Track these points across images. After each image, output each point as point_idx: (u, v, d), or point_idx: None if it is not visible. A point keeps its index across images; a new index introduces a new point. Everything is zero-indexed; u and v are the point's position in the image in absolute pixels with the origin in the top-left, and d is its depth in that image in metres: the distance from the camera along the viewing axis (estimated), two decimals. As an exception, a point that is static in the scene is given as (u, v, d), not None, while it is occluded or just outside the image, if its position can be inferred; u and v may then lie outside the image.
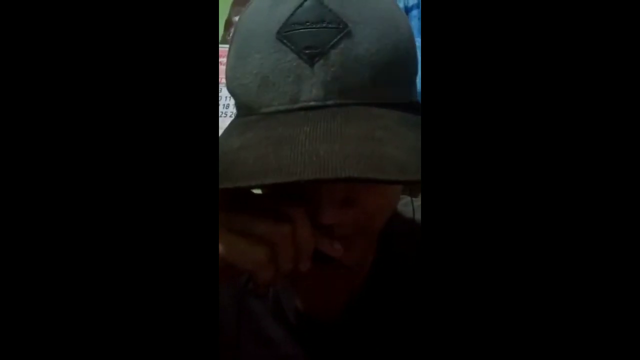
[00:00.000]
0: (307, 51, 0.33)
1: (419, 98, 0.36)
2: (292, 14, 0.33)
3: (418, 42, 0.39)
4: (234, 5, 1.61)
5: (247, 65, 0.35)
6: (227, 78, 0.38)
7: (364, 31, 0.33)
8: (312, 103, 0.33)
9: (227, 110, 1.56)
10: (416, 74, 0.38)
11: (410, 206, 0.50)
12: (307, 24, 0.33)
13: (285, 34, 0.33)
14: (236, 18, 1.58)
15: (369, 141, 0.31)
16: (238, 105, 0.38)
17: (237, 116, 0.38)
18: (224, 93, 1.56)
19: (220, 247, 0.33)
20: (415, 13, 1.24)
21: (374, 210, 0.38)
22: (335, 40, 0.33)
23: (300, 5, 0.33)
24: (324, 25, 0.33)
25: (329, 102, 0.33)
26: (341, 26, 0.33)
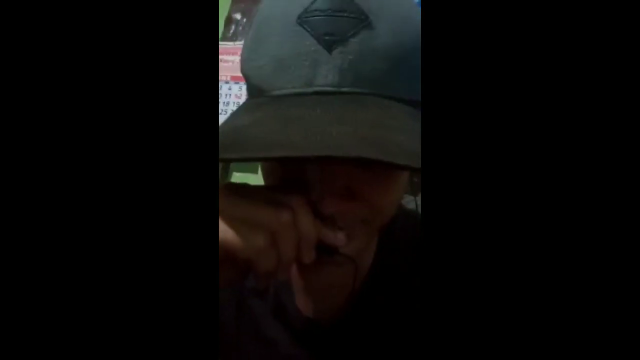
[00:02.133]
0: (326, 37, 0.33)
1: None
2: (314, 1, 0.34)
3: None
4: (234, 2, 1.61)
5: (263, 48, 0.35)
6: (242, 60, 0.39)
7: (384, 25, 0.34)
8: (327, 88, 0.33)
9: (227, 107, 1.55)
10: None
11: (411, 205, 0.50)
12: (329, 11, 0.33)
13: (306, 19, 0.34)
14: (236, 15, 1.58)
15: (381, 127, 0.31)
16: (250, 88, 0.38)
17: (248, 99, 0.38)
18: (223, 91, 1.55)
19: (220, 235, 0.33)
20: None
21: (376, 205, 0.38)
22: (355, 30, 0.33)
23: None
24: (345, 14, 0.33)
25: (343, 89, 0.33)
26: (362, 17, 0.34)
